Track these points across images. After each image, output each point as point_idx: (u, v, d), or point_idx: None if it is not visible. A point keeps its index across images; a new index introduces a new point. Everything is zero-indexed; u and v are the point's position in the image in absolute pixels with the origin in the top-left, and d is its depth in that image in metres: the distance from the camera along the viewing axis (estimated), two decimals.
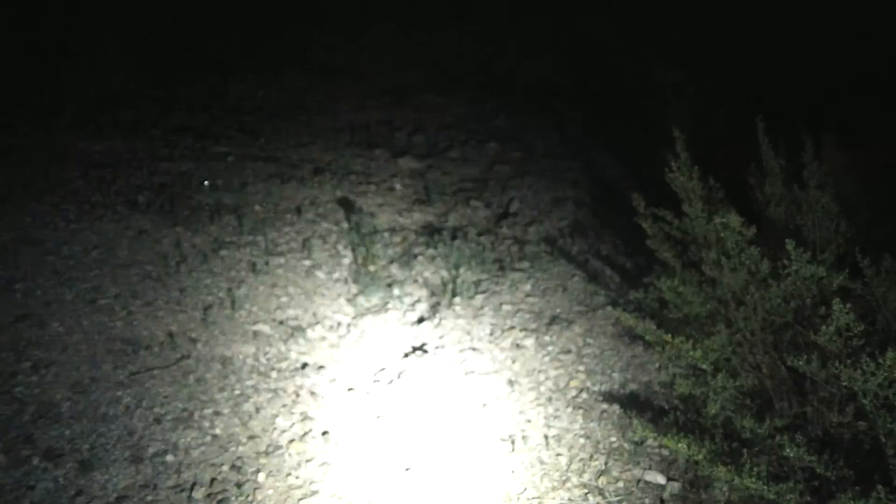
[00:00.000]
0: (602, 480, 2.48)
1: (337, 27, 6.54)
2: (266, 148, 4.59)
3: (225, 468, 2.48)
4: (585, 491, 2.45)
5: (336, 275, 3.62)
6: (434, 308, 3.44)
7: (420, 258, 3.79)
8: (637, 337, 3.10)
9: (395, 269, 3.70)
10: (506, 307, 3.44)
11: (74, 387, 2.75)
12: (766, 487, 2.01)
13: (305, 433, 2.67)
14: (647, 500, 2.41)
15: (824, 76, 4.13)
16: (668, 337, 2.38)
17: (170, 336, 3.07)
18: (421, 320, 3.37)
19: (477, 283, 3.60)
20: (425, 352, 3.16)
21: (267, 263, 3.58)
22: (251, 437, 2.63)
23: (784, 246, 2.07)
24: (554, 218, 4.17)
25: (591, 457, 2.58)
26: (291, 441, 2.63)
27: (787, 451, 2.03)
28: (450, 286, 3.53)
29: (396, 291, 3.55)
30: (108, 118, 4.67)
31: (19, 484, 2.35)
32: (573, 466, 2.55)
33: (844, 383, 1.98)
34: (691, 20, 5.47)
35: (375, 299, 3.49)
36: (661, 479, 2.48)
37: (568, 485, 2.47)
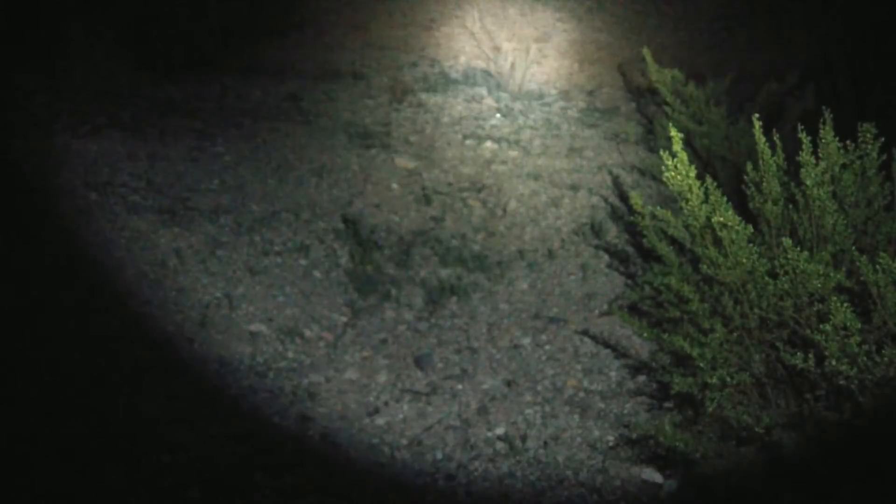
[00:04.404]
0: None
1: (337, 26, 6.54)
2: (263, 148, 4.59)
3: None
4: None
5: (333, 275, 3.62)
6: (431, 308, 3.44)
7: (417, 258, 3.79)
8: (635, 335, 3.11)
9: (391, 269, 3.70)
10: (503, 306, 3.45)
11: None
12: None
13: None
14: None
15: None
16: (666, 335, 2.39)
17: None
18: (418, 319, 3.37)
19: (474, 283, 3.60)
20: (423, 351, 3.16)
21: (264, 264, 3.58)
22: None
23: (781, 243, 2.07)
24: (551, 217, 4.17)
25: None
26: None
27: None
28: (447, 286, 3.53)
29: (393, 291, 3.54)
30: (105, 117, 4.65)
31: None
32: None
33: (841, 381, 1.98)
34: None
35: (372, 299, 3.48)
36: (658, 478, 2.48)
37: None
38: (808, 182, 2.26)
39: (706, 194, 2.33)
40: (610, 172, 4.60)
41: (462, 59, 6.20)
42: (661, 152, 2.35)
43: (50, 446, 2.48)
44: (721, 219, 2.22)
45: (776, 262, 2.22)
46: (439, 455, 2.61)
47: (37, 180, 3.97)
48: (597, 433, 2.69)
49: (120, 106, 4.85)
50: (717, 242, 2.35)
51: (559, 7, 6.80)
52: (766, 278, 2.26)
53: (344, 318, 3.36)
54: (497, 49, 6.12)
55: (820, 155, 2.31)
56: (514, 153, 4.86)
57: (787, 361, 2.14)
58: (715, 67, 5.12)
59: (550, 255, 3.84)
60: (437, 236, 3.95)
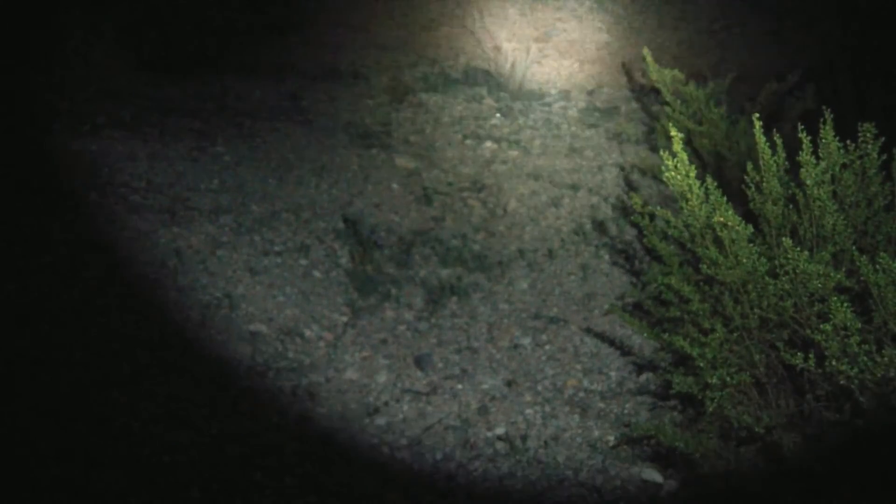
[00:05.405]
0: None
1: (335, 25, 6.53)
2: (263, 148, 4.59)
3: None
4: None
5: (333, 275, 3.62)
6: (431, 308, 3.44)
7: (417, 258, 3.79)
8: (635, 335, 3.10)
9: (391, 269, 3.69)
10: (503, 306, 3.44)
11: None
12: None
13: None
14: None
15: None
16: (666, 335, 2.39)
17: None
18: (418, 319, 3.37)
19: (474, 283, 3.60)
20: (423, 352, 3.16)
21: (264, 264, 3.58)
22: None
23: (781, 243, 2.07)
24: (551, 217, 4.17)
25: None
26: None
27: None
28: (447, 286, 3.53)
29: (393, 291, 3.54)
30: (104, 117, 4.65)
31: None
32: None
33: (842, 381, 1.98)
34: None
35: (372, 299, 3.48)
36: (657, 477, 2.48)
37: None
38: (808, 182, 2.26)
39: (706, 194, 2.33)
40: (610, 172, 4.60)
41: (462, 59, 6.20)
42: (662, 152, 2.35)
43: (50, 446, 2.48)
44: (721, 218, 2.22)
45: (776, 262, 2.22)
46: (439, 455, 2.61)
47: (36, 180, 3.97)
48: (597, 433, 2.69)
49: (120, 106, 4.85)
50: (718, 242, 2.35)
51: (559, 7, 6.80)
52: (767, 278, 2.26)
53: (344, 318, 3.36)
54: (497, 49, 6.12)
55: (820, 155, 2.31)
56: (514, 153, 4.87)
57: (788, 361, 2.14)
58: (715, 67, 5.13)
59: (550, 254, 3.84)
60: (437, 236, 3.95)
